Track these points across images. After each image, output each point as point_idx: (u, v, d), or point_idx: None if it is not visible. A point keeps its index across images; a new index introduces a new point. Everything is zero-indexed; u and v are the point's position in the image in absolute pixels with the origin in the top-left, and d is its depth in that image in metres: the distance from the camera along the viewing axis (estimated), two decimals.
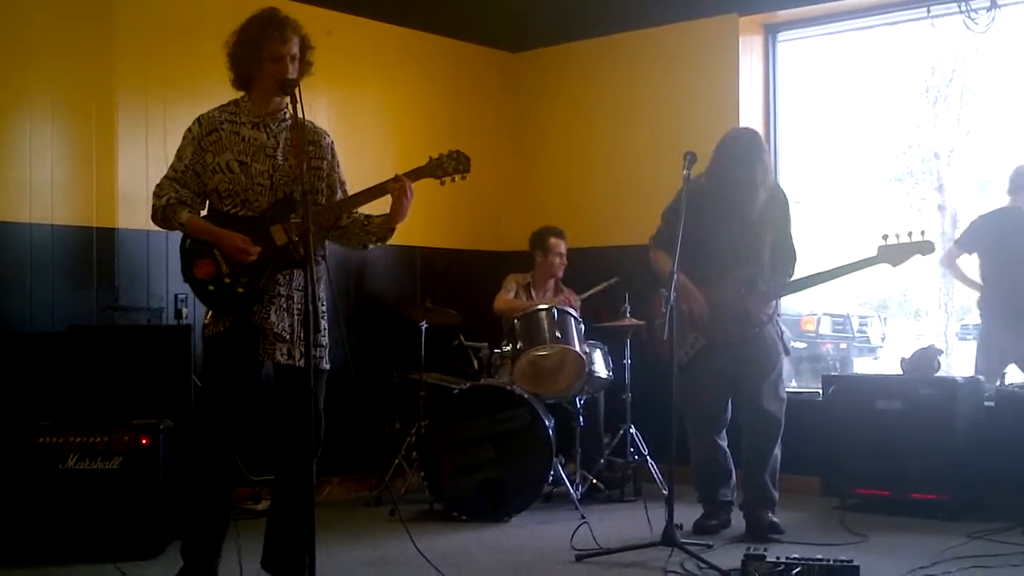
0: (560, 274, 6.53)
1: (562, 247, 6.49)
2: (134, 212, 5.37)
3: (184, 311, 5.58)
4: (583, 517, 5.28)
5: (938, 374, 5.66)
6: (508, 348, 5.86)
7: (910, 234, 4.65)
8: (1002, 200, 6.52)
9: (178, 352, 5.09)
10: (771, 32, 6.82)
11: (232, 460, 3.88)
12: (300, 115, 3.46)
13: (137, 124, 5.55)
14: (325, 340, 3.80)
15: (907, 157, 13.92)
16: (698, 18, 6.72)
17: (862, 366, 12.66)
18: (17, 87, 5.18)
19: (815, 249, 6.33)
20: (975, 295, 6.64)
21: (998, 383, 5.69)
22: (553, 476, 5.51)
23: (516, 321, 5.82)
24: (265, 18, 3.71)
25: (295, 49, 3.70)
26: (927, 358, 5.68)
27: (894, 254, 4.67)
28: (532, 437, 5.44)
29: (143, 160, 5.52)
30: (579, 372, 5.73)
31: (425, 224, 6.50)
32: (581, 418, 5.83)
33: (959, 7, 5.90)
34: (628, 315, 5.94)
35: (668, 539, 4.47)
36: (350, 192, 3.88)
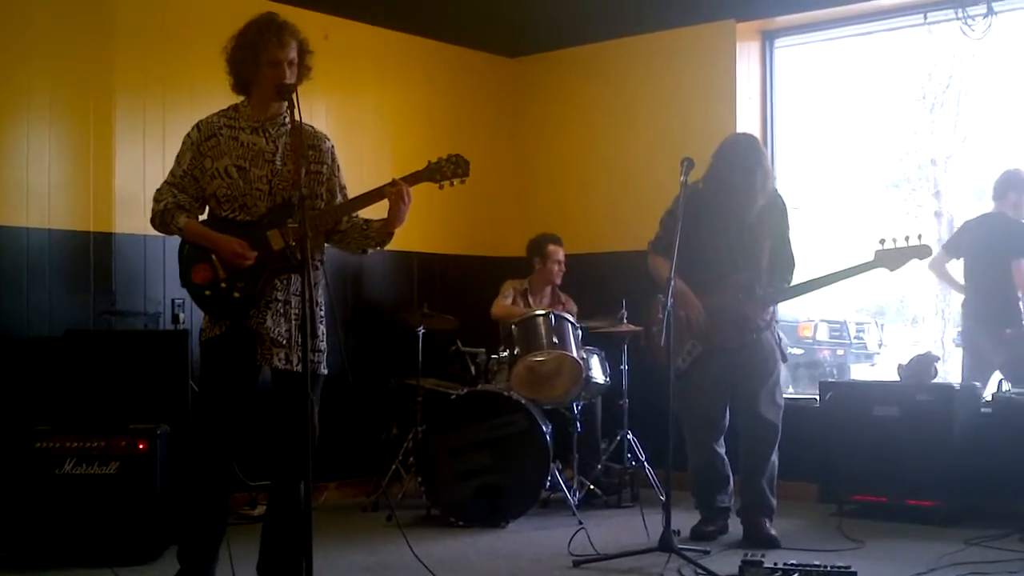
0: (558, 281, 6.53)
1: (560, 254, 6.50)
2: (131, 216, 5.38)
3: (181, 315, 5.58)
4: (580, 523, 5.27)
5: (935, 381, 5.67)
6: (505, 354, 5.86)
7: (907, 238, 4.67)
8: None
9: (175, 357, 5.08)
10: (768, 38, 6.84)
11: (229, 465, 3.88)
12: (298, 119, 3.46)
13: (135, 125, 5.56)
14: (323, 345, 3.80)
15: (904, 163, 13.90)
16: (696, 24, 6.73)
17: (859, 372, 12.63)
18: (16, 86, 5.19)
19: (812, 255, 6.33)
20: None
21: (986, 389, 5.69)
22: (550, 482, 5.51)
23: (513, 327, 5.82)
24: (263, 23, 3.70)
25: (293, 54, 3.69)
26: (924, 364, 5.69)
27: (891, 258, 4.68)
28: (529, 443, 5.43)
29: (140, 162, 5.53)
30: (576, 378, 5.72)
31: (423, 229, 6.51)
32: (578, 424, 5.84)
33: (956, 14, 5.92)
34: (625, 321, 5.94)
35: (665, 545, 4.47)
36: (349, 196, 3.87)
